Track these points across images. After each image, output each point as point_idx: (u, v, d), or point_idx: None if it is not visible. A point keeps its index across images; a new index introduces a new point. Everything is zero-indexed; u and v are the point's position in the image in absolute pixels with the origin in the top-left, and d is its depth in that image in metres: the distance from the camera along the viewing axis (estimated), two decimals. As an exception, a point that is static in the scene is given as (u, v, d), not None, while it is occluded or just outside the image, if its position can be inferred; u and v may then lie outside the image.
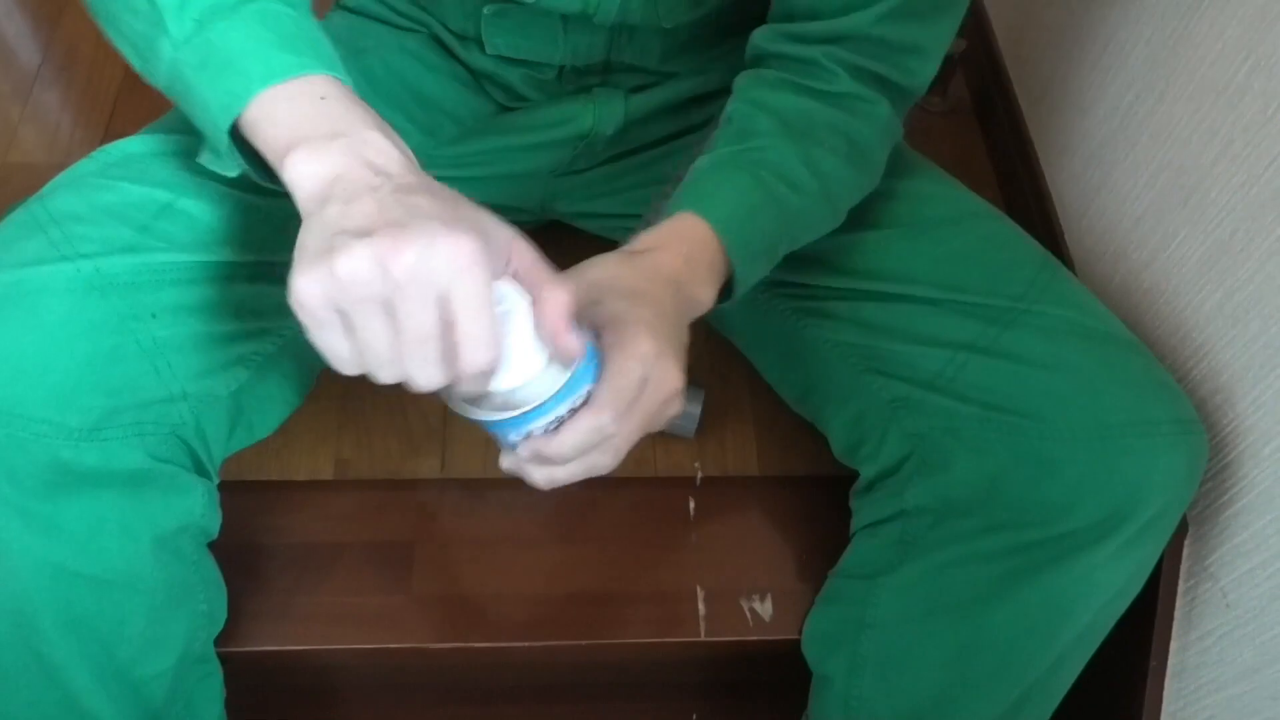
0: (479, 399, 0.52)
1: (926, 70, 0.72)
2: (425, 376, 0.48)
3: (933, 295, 0.70)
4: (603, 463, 0.57)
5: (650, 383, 0.55)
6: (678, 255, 0.62)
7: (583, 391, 0.53)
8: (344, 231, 0.46)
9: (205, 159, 0.59)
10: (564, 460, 0.55)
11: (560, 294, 0.50)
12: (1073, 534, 0.65)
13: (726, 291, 0.65)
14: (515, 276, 0.51)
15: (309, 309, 0.47)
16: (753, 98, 0.69)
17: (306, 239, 0.48)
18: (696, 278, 0.62)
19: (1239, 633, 0.71)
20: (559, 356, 0.51)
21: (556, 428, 0.53)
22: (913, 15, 0.67)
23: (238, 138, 0.54)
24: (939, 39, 0.71)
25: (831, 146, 0.67)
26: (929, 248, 0.72)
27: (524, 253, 0.52)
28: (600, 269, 0.59)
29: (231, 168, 0.56)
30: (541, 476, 0.56)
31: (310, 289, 0.46)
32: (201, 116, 0.54)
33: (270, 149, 0.52)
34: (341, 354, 0.48)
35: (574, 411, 0.53)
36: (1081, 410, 0.65)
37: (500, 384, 0.50)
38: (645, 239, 0.63)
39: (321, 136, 0.50)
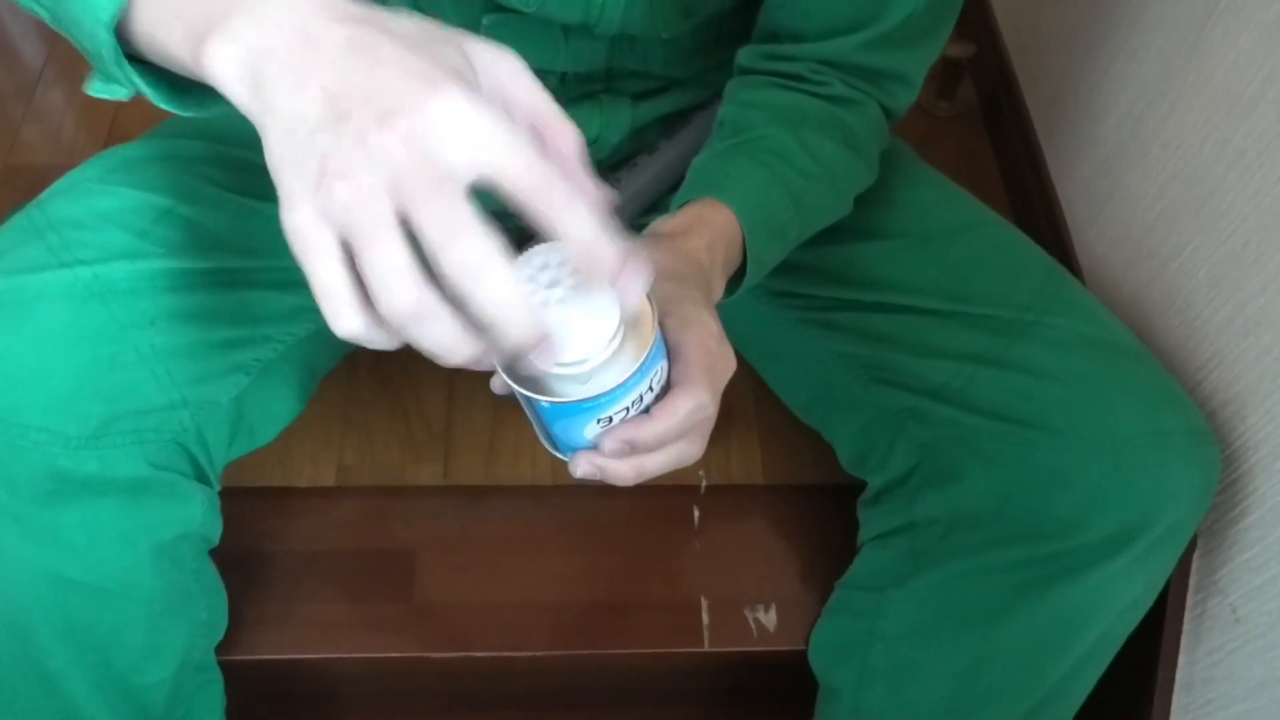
0: (548, 384, 0.47)
1: (908, 95, 0.72)
2: (486, 292, 0.38)
3: (939, 306, 0.70)
4: (691, 451, 0.52)
5: (719, 363, 0.53)
6: (701, 240, 0.59)
7: (659, 368, 0.49)
8: (307, 123, 0.38)
9: (93, 86, 0.51)
10: (661, 446, 0.50)
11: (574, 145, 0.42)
12: (1085, 548, 0.64)
13: (736, 280, 0.64)
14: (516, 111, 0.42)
15: (300, 238, 0.39)
16: (743, 99, 0.69)
17: (275, 151, 0.39)
18: (715, 266, 0.60)
19: (1248, 648, 0.71)
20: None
21: (641, 411, 0.50)
22: (895, 43, 0.67)
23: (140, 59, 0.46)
24: (921, 65, 0.71)
25: (827, 134, 0.67)
26: (934, 258, 0.72)
27: (523, 84, 0.42)
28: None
29: (121, 87, 0.48)
30: (629, 470, 0.51)
31: (298, 214, 0.38)
32: (80, 18, 0.45)
33: (179, 51, 0.42)
34: (340, 294, 0.39)
35: (653, 392, 0.50)
36: (1093, 422, 0.64)
37: (583, 348, 0.44)
38: (666, 224, 0.61)
39: (231, 10, 0.40)
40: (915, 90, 0.72)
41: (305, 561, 0.84)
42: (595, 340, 0.44)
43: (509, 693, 0.89)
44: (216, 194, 0.67)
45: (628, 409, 0.49)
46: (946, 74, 1.18)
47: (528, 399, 0.48)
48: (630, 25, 0.68)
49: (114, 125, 1.11)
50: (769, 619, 0.83)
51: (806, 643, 0.82)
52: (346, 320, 0.39)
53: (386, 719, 0.91)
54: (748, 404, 0.94)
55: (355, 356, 0.91)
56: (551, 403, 0.47)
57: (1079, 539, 0.64)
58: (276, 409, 0.74)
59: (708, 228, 0.60)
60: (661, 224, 0.61)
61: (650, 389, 0.49)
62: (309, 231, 0.38)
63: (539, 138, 0.42)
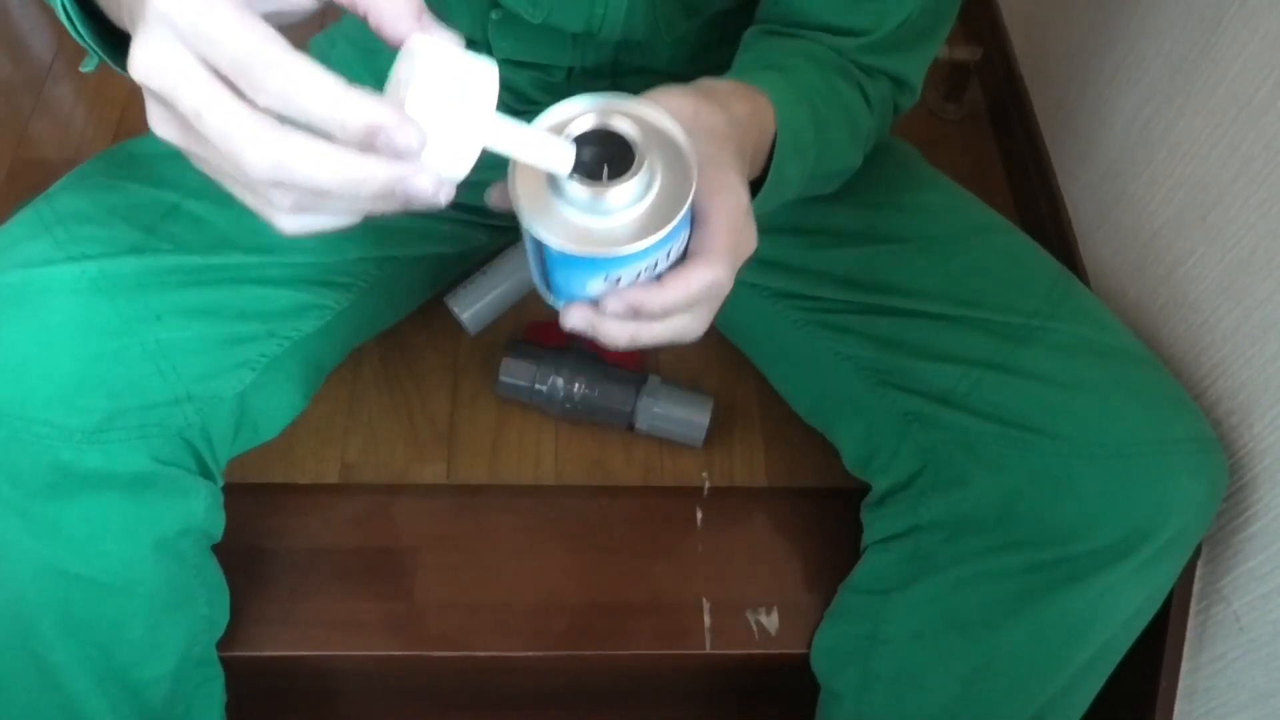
0: (565, 228, 0.44)
1: (908, 97, 0.71)
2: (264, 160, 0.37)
3: (946, 311, 0.70)
4: (694, 327, 0.49)
5: (743, 239, 0.49)
6: (745, 108, 0.54)
7: (683, 235, 0.46)
8: None
9: (84, 61, 0.53)
10: (665, 315, 0.47)
11: None
12: (1090, 554, 0.64)
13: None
14: None
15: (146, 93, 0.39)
16: (762, 45, 0.66)
17: None
18: (748, 143, 0.54)
19: (1251, 657, 0.70)
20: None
21: (654, 277, 0.46)
22: (891, 47, 0.66)
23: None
24: (918, 67, 0.70)
25: (846, 80, 0.65)
26: (941, 262, 0.72)
27: None
28: (676, 101, 0.50)
29: (93, 55, 0.50)
30: (625, 334, 0.48)
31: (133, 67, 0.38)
32: None
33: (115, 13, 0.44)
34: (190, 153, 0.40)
35: (670, 258, 0.46)
36: (1099, 428, 0.64)
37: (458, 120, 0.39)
38: (710, 81, 0.55)
39: None
40: (915, 93, 0.71)
41: (307, 559, 0.84)
42: (465, 113, 0.39)
43: (509, 693, 0.89)
44: (223, 190, 0.67)
45: (640, 272, 0.45)
46: (954, 77, 1.18)
47: (536, 240, 0.44)
48: (633, 33, 0.68)
49: (122, 120, 1.11)
50: (771, 622, 0.83)
51: (808, 646, 0.81)
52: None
53: (386, 717, 0.91)
54: (752, 406, 0.94)
55: (360, 354, 0.92)
56: (562, 251, 0.43)
57: (1084, 545, 0.64)
58: (281, 405, 0.75)
59: (751, 100, 0.56)
60: (705, 80, 0.56)
61: (668, 255, 0.46)
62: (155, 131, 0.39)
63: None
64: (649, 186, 0.44)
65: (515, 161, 0.45)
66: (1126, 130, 0.88)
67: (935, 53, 0.70)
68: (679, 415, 0.88)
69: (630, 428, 0.90)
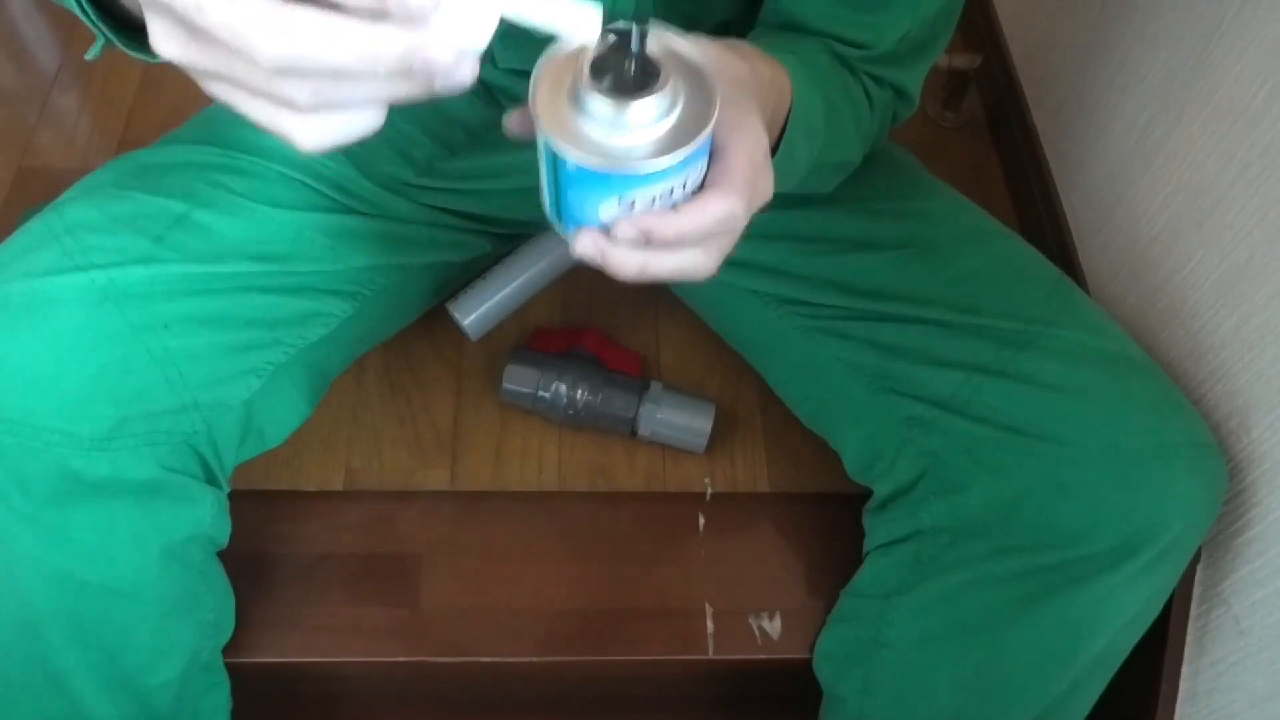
0: (586, 139, 0.42)
1: (906, 108, 0.71)
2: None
3: (947, 317, 0.70)
4: (705, 264, 0.47)
5: (760, 180, 0.48)
6: (767, 69, 0.53)
7: (702, 163, 0.45)
8: None
9: (90, 52, 0.53)
10: (677, 245, 0.46)
11: None
12: (1090, 558, 0.64)
13: None
14: None
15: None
16: (769, 38, 0.66)
17: None
18: (768, 106, 0.53)
19: (1252, 660, 0.71)
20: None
21: (669, 205, 0.45)
22: (890, 61, 0.66)
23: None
24: (917, 78, 0.70)
25: (855, 77, 0.65)
26: (941, 268, 0.72)
27: None
28: (700, 48, 0.48)
29: (99, 38, 0.50)
30: (633, 264, 0.46)
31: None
32: None
33: None
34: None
35: (686, 189, 0.45)
36: (1099, 434, 0.65)
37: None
38: (735, 40, 0.54)
39: None
40: (913, 103, 0.71)
41: (312, 565, 0.84)
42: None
43: (513, 698, 0.90)
44: (231, 200, 0.68)
45: (655, 198, 0.44)
46: (953, 84, 1.18)
47: (552, 154, 0.43)
48: None
49: (128, 129, 1.12)
50: (774, 627, 0.83)
51: (811, 651, 0.82)
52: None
53: (391, 722, 0.91)
54: (753, 411, 0.95)
55: (365, 361, 0.92)
56: (580, 165, 0.42)
57: (1084, 549, 0.64)
58: (286, 412, 0.75)
59: (772, 66, 0.55)
60: (730, 39, 0.54)
61: (684, 185, 0.45)
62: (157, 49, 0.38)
63: None
64: (672, 105, 0.43)
65: (537, 78, 0.44)
66: (1124, 137, 0.89)
67: (932, 62, 0.71)
68: (681, 421, 0.89)
69: (633, 434, 0.90)
